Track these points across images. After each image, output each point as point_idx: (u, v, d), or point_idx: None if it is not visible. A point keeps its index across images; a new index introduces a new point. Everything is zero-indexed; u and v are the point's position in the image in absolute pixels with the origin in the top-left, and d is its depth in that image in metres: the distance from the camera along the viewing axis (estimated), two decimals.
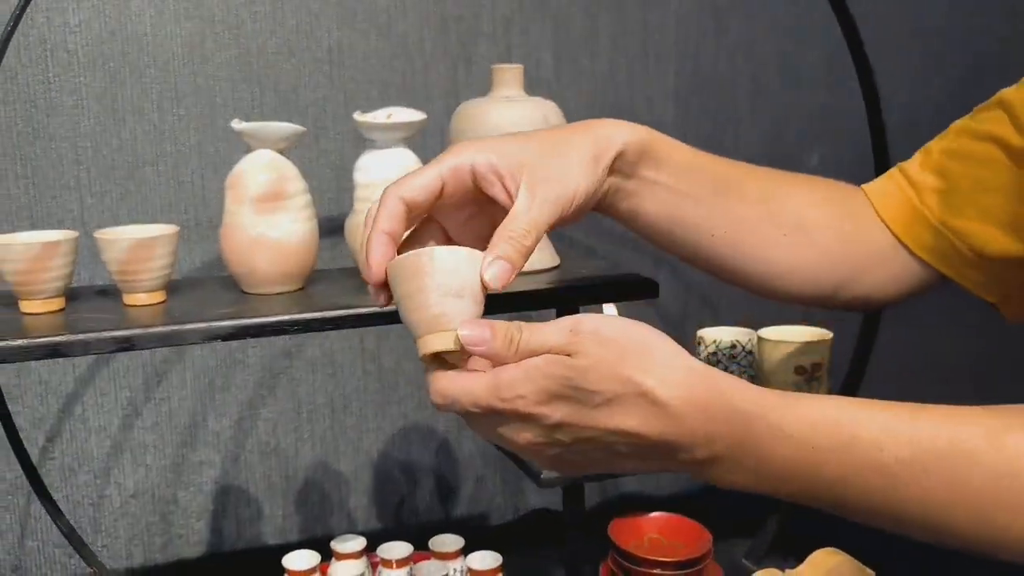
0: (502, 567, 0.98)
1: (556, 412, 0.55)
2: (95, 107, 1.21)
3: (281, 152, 0.83)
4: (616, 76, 1.45)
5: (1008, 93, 0.72)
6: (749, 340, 1.06)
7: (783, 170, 0.80)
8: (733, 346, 1.05)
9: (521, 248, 0.62)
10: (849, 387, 1.16)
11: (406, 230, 0.64)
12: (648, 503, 1.52)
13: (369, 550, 1.04)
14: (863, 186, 0.79)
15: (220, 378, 1.31)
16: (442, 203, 0.64)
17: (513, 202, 0.63)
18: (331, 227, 1.04)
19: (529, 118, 0.88)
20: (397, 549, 1.00)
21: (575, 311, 0.90)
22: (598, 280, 0.90)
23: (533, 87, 1.41)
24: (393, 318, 0.80)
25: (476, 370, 0.57)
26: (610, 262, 1.00)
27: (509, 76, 0.91)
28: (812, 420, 0.56)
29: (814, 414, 0.56)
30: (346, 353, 1.37)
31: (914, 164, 0.76)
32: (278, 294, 0.83)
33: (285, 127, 0.82)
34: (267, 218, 0.81)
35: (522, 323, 0.57)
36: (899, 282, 0.77)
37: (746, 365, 1.05)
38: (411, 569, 0.97)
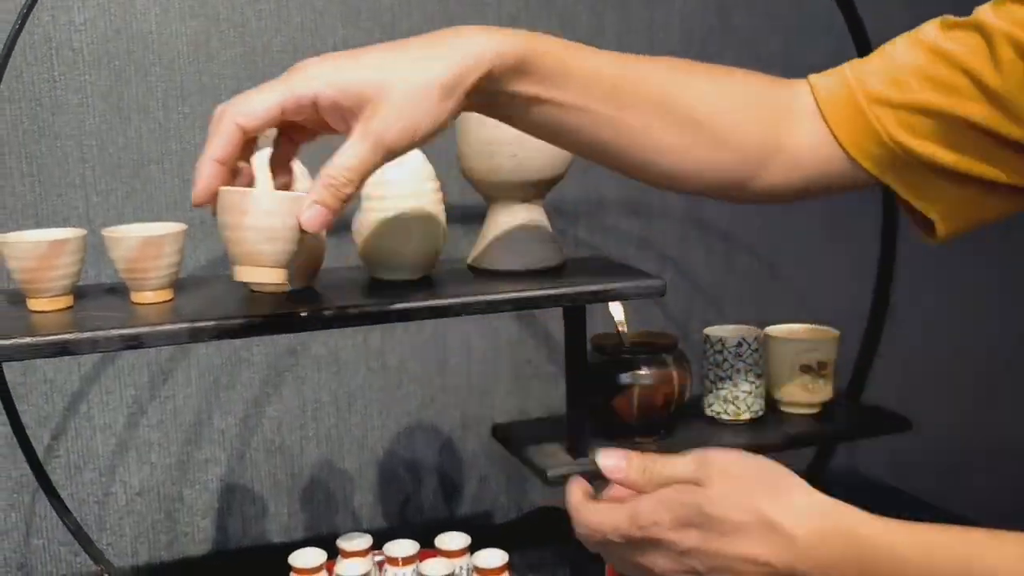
0: (508, 565, 0.98)
1: (688, 539, 0.57)
2: (100, 105, 1.21)
3: None
4: None
5: (986, 16, 0.66)
6: (755, 338, 1.06)
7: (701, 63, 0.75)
8: (739, 344, 1.05)
9: (340, 195, 0.63)
10: (855, 385, 1.16)
11: (243, 153, 0.64)
12: None
13: (374, 548, 1.04)
14: (809, 77, 0.75)
15: (225, 376, 1.31)
16: (289, 122, 0.64)
17: None
18: (340, 224, 1.03)
19: None
20: (403, 547, 1.00)
21: (581, 311, 0.90)
22: (604, 279, 0.90)
23: None
24: (401, 316, 0.81)
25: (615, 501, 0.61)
26: (613, 260, 1.00)
27: None
28: (930, 544, 0.57)
29: (932, 539, 0.57)
30: (351, 351, 1.37)
31: (873, 69, 0.71)
32: (285, 292, 0.83)
33: None
34: None
35: (655, 455, 0.61)
36: (824, 177, 0.73)
37: (752, 363, 1.05)
38: (417, 567, 0.97)
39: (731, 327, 1.10)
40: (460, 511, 1.47)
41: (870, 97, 0.70)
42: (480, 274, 0.92)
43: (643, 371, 0.98)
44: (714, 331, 1.08)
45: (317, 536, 1.37)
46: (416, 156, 0.87)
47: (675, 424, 1.04)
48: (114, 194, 1.23)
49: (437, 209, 0.88)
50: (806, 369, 1.07)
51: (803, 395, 1.08)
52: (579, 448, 0.95)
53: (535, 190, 0.91)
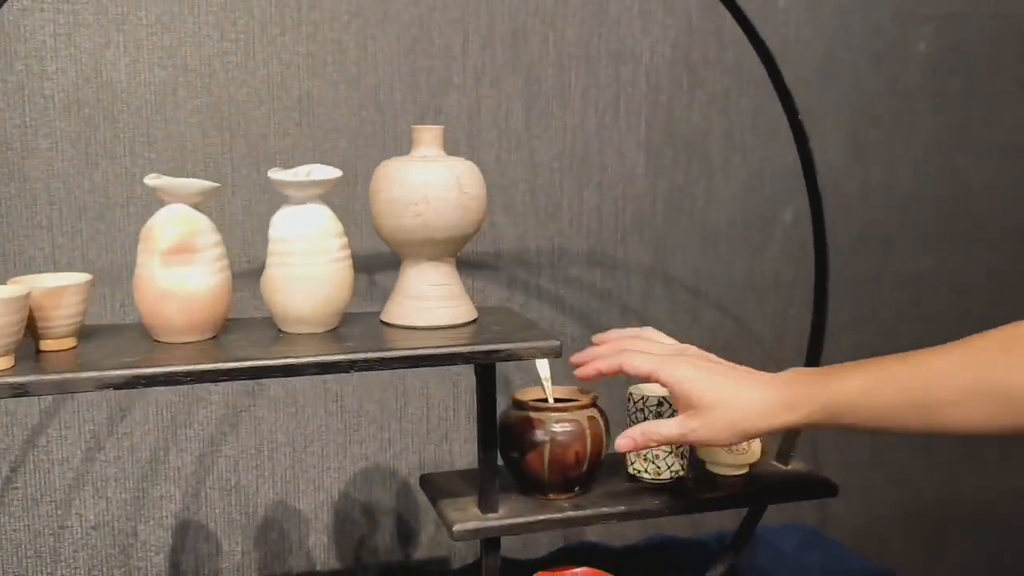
0: None
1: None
2: (69, 150, 1.26)
3: (195, 206, 0.87)
4: (587, 127, 1.47)
5: None
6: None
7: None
8: (660, 404, 1.06)
9: (648, 442, 0.90)
10: (786, 447, 1.15)
11: None
12: (600, 553, 1.53)
13: None
14: None
15: (183, 414, 1.34)
16: None
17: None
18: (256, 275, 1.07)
19: (442, 179, 0.91)
20: None
21: (491, 368, 0.92)
22: (500, 339, 0.91)
23: (503, 139, 1.44)
24: (286, 371, 0.83)
25: None
26: (523, 318, 1.03)
27: (428, 136, 0.94)
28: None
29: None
30: (309, 393, 1.39)
31: None
32: (186, 343, 0.86)
33: (197, 183, 0.85)
34: (176, 271, 0.84)
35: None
36: None
37: None
38: None
39: (657, 386, 1.10)
40: (416, 555, 1.49)
41: None
42: (390, 330, 0.94)
43: (556, 428, 0.99)
44: (638, 389, 1.09)
45: None
46: (323, 213, 0.89)
47: (593, 482, 1.05)
48: (79, 235, 1.27)
49: (342, 265, 0.90)
50: None
51: (728, 456, 1.08)
52: (488, 504, 0.96)
53: (442, 248, 0.93)
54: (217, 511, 1.38)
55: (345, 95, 1.35)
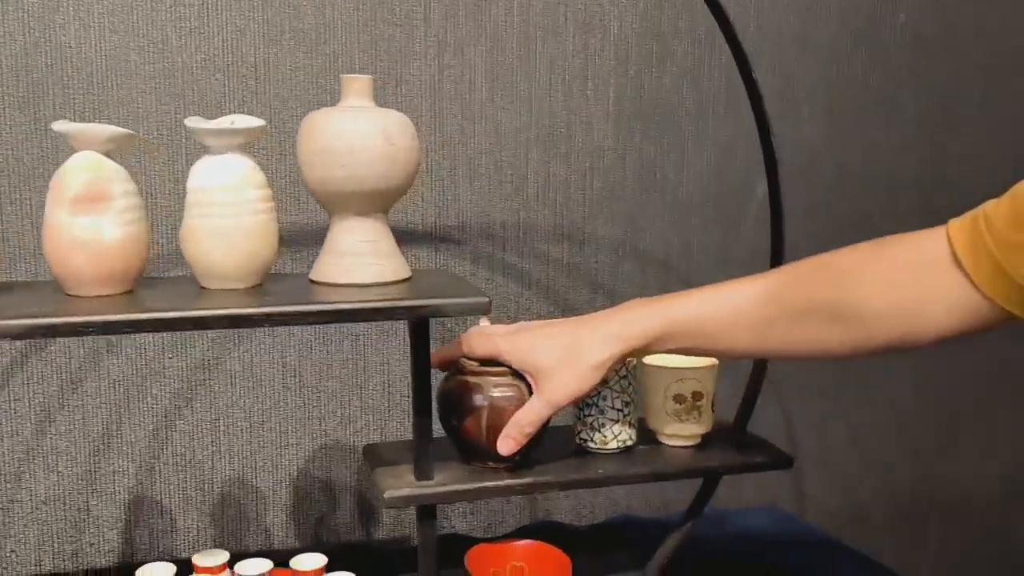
0: None
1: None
2: (18, 116, 1.23)
3: (107, 154, 0.84)
4: (553, 98, 1.44)
5: None
6: (625, 365, 1.03)
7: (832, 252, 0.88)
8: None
9: (522, 434, 0.94)
10: (741, 417, 1.12)
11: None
12: (565, 532, 1.49)
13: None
14: (950, 223, 0.81)
15: (136, 388, 1.32)
16: None
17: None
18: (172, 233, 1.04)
19: (369, 130, 0.87)
20: (254, 565, 0.99)
21: (425, 327, 0.89)
22: (431, 295, 0.88)
23: (467, 109, 1.41)
24: (195, 324, 0.79)
25: None
26: (457, 276, 1.01)
27: (357, 86, 0.91)
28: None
29: None
30: (266, 367, 1.37)
31: (1000, 213, 0.77)
32: (98, 297, 0.84)
33: (109, 128, 0.83)
34: (86, 219, 0.81)
35: None
36: (961, 322, 0.79)
37: (619, 391, 1.02)
38: None
39: None
40: (377, 535, 1.46)
41: (1000, 242, 0.75)
42: (316, 287, 0.91)
43: (495, 393, 0.95)
44: None
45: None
46: (243, 163, 0.87)
47: (538, 451, 1.01)
48: (27, 203, 1.25)
49: (265, 219, 0.87)
50: (680, 399, 1.03)
51: (678, 426, 1.05)
52: (422, 470, 0.93)
53: (370, 203, 0.90)
54: (172, 486, 1.35)
55: (303, 63, 1.32)
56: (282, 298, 0.83)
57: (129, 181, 0.85)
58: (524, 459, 1.00)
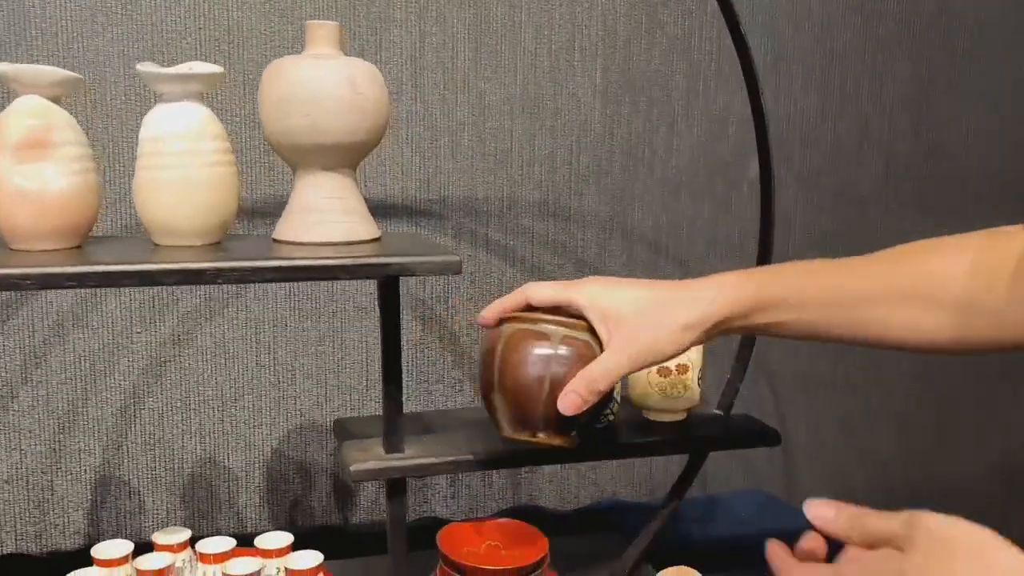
0: (321, 567, 0.91)
1: None
2: None
3: (55, 100, 0.79)
4: (539, 69, 1.39)
5: None
6: None
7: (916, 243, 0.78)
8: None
9: (593, 390, 0.79)
10: (728, 393, 1.07)
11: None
12: (548, 516, 1.45)
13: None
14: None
15: (102, 363, 1.27)
16: None
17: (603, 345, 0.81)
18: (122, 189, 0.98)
19: (333, 77, 0.83)
20: (217, 544, 0.95)
21: (395, 286, 0.84)
22: (400, 254, 0.83)
23: (449, 79, 1.37)
24: (142, 278, 0.74)
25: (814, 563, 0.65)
26: (427, 240, 0.95)
27: (322, 33, 0.86)
28: None
29: None
30: (239, 344, 1.32)
31: None
32: (44, 251, 0.79)
33: (53, 71, 0.78)
34: (29, 167, 0.76)
35: (865, 509, 0.63)
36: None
37: None
38: (224, 565, 0.91)
39: None
40: (354, 518, 1.41)
41: None
42: (279, 245, 0.86)
43: (562, 348, 0.81)
44: None
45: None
46: (199, 111, 0.82)
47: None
48: None
49: (224, 171, 0.82)
50: (664, 373, 0.99)
51: (662, 400, 1.00)
52: (392, 443, 0.88)
53: (336, 156, 0.85)
54: (140, 466, 1.31)
55: (278, 27, 1.27)
56: (239, 254, 0.78)
57: (77, 130, 0.80)
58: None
